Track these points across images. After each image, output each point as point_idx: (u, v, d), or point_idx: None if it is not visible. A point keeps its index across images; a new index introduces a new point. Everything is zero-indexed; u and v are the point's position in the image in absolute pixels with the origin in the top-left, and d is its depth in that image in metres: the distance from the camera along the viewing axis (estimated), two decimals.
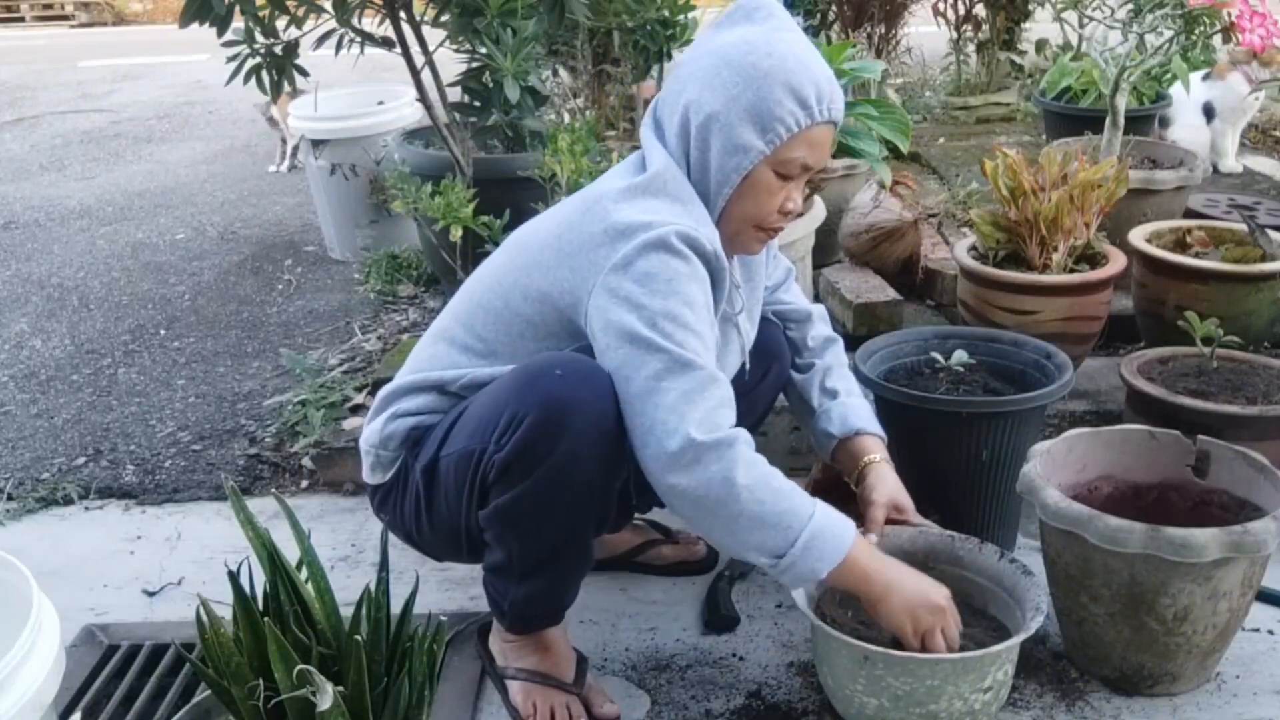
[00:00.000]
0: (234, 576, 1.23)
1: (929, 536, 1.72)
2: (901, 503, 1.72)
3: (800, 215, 1.57)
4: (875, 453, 1.75)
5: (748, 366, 1.72)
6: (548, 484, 1.46)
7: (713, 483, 1.40)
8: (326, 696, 1.14)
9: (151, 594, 2.07)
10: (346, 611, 1.30)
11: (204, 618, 1.21)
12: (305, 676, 1.15)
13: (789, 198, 1.55)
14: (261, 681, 1.19)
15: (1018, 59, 4.90)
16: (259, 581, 1.27)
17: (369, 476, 1.68)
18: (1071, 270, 2.32)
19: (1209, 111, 3.66)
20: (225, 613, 1.24)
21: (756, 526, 1.43)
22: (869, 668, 1.48)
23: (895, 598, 1.48)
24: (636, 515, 1.99)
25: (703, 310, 1.48)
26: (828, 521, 1.46)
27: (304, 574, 1.29)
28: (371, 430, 1.65)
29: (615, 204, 1.49)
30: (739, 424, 1.47)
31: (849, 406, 1.80)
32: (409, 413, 1.62)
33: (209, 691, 1.27)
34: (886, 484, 1.72)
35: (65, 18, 12.02)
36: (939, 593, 1.51)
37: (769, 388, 1.85)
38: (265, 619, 1.20)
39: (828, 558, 1.44)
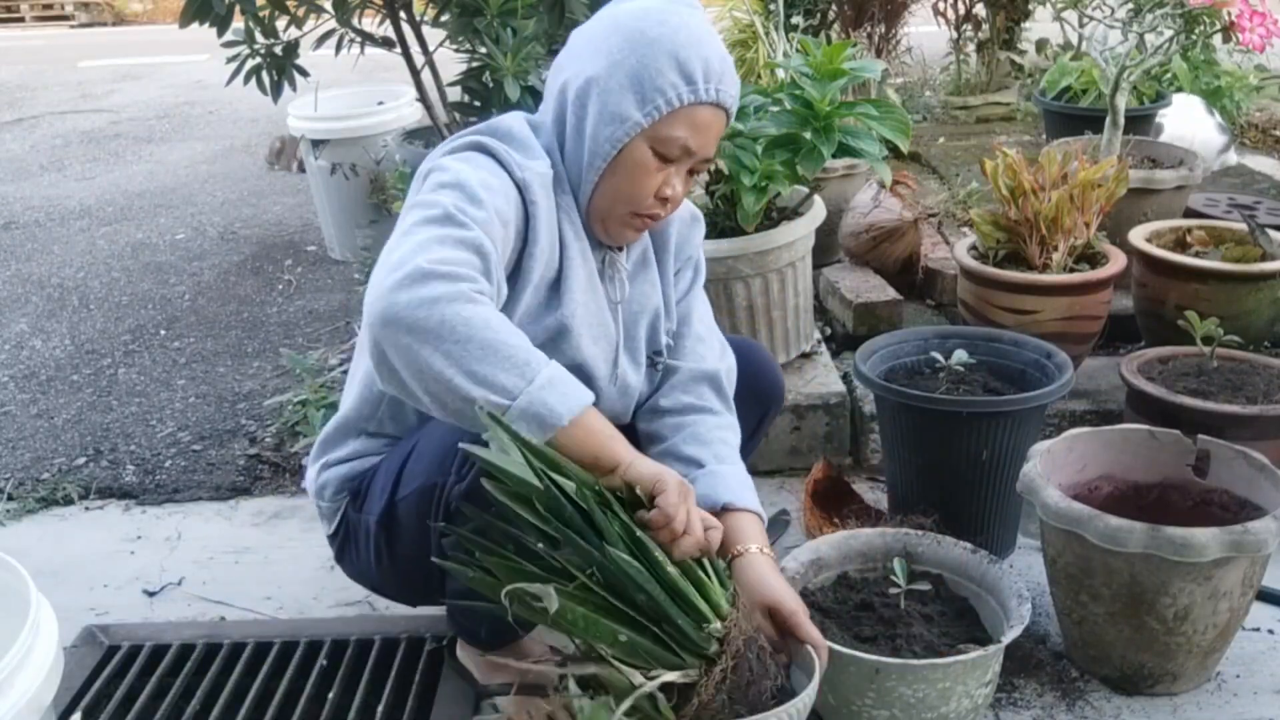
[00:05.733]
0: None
1: (885, 536, 1.71)
2: (775, 604, 1.39)
3: (677, 206, 1.49)
4: (750, 542, 1.47)
5: (628, 374, 1.56)
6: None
7: (439, 302, 1.22)
8: None
9: (152, 594, 2.06)
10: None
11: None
12: None
13: (668, 183, 1.45)
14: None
15: (1018, 59, 4.89)
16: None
17: (322, 525, 1.66)
18: (1071, 270, 2.32)
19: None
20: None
21: (488, 355, 1.23)
22: (880, 680, 1.47)
23: (644, 461, 1.32)
24: None
25: (478, 188, 1.34)
26: (567, 375, 1.29)
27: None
28: (310, 479, 1.64)
29: (434, 158, 1.43)
30: None
31: (717, 475, 1.52)
32: (340, 460, 1.60)
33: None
34: (759, 585, 1.41)
35: (65, 18, 11.99)
36: None
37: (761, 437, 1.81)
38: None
39: (570, 402, 1.26)
